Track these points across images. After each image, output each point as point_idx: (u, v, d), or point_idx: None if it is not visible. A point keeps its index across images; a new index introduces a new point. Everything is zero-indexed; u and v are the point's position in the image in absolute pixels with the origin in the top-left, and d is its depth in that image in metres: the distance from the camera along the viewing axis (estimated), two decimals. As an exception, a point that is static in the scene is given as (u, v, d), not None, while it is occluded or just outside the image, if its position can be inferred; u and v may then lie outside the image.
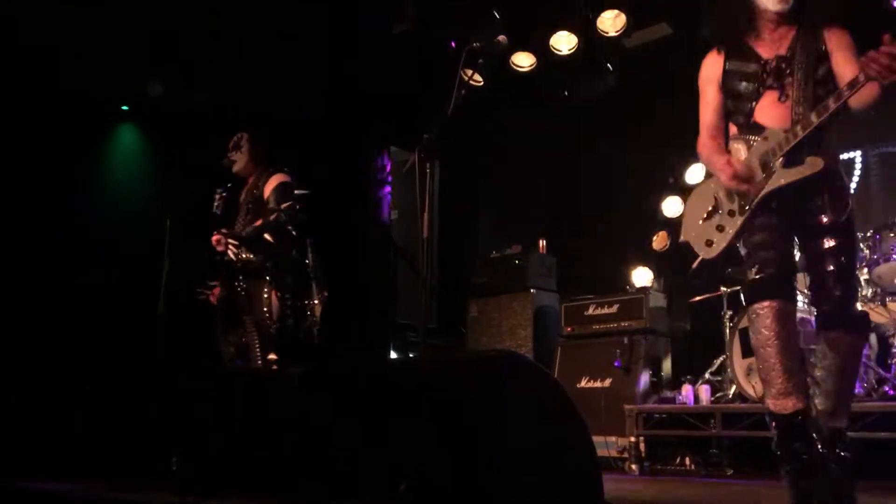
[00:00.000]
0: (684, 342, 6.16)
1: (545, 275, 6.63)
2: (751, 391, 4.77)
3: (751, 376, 4.80)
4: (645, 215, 6.82)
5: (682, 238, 3.24)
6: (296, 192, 4.61)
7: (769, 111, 2.97)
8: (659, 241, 6.74)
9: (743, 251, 2.97)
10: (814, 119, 2.80)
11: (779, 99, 2.95)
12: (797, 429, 2.72)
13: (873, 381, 4.51)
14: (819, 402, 2.85)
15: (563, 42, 6.64)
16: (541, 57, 6.68)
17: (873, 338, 4.80)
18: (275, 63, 6.26)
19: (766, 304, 2.77)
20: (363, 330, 6.38)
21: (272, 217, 4.48)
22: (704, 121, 3.18)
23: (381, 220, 6.89)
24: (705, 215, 3.15)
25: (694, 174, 6.59)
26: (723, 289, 5.43)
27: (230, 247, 4.43)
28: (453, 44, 6.43)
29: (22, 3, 5.59)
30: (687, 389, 5.28)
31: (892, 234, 4.70)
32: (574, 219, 7.55)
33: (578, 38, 6.51)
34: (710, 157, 3.11)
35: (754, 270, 2.85)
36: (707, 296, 5.64)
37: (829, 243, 2.84)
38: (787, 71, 2.95)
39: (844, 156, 6.24)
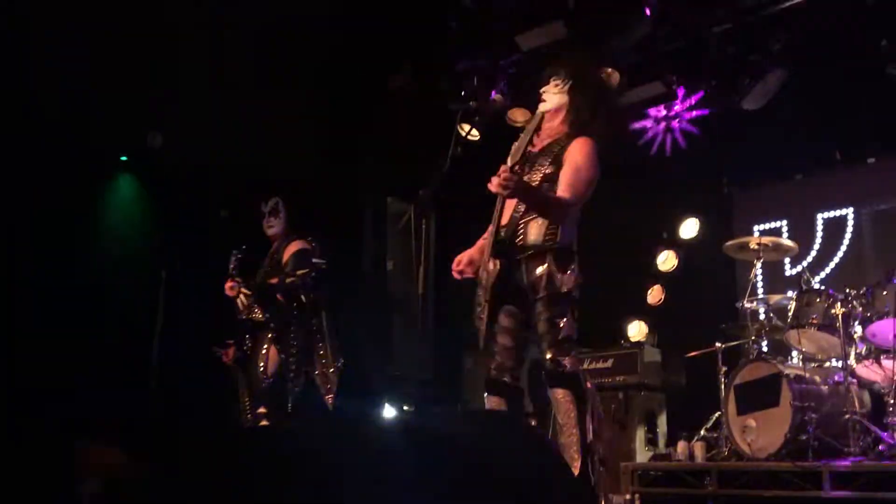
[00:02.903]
0: (680, 398, 6.12)
1: (540, 328, 6.60)
2: (745, 448, 4.73)
3: (746, 433, 4.76)
4: (639, 269, 6.83)
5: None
6: (314, 261, 4.70)
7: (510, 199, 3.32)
8: (654, 295, 6.75)
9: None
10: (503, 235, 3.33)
11: None
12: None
13: (869, 440, 4.45)
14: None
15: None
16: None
17: (867, 396, 4.77)
18: (273, 115, 6.34)
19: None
20: (357, 382, 6.34)
21: (288, 280, 4.58)
22: None
23: (377, 271, 6.90)
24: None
25: (688, 229, 6.63)
26: (718, 344, 5.39)
27: (242, 295, 4.58)
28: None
29: (22, 51, 5.66)
30: (682, 446, 5.23)
31: (884, 293, 4.66)
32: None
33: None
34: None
35: None
36: (702, 351, 5.60)
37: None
38: (528, 167, 3.32)
39: (836, 213, 6.29)
